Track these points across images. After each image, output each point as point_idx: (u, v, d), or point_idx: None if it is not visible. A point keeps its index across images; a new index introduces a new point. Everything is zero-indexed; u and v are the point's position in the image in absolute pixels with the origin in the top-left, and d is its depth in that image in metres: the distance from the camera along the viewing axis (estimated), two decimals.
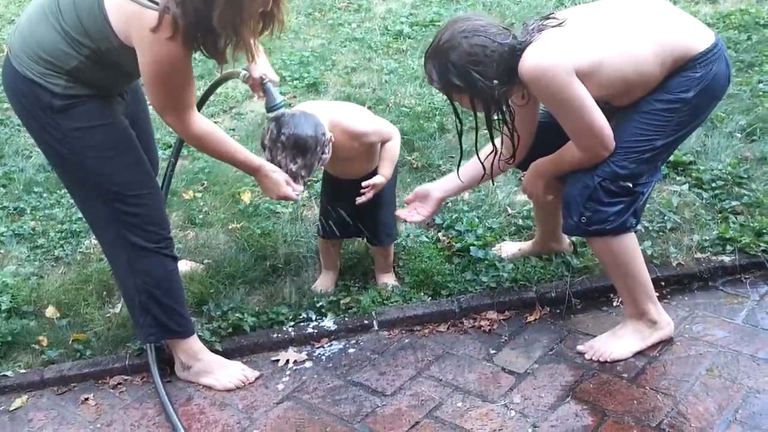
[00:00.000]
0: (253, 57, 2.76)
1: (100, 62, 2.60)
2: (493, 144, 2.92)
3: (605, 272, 3.17)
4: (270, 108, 3.05)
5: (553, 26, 2.74)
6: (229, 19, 2.45)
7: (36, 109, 2.66)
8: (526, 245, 3.55)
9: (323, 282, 3.49)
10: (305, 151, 2.93)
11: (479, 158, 2.98)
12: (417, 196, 3.22)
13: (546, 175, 3.02)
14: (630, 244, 2.92)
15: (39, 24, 2.62)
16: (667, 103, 2.76)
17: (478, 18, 2.77)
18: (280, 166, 2.96)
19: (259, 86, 3.06)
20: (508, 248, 3.56)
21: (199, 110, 2.84)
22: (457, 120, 2.89)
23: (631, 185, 2.81)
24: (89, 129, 2.69)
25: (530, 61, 2.68)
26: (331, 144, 3.02)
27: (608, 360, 2.97)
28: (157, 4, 2.43)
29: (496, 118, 2.80)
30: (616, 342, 3.01)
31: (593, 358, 3.00)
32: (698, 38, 2.76)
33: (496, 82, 2.68)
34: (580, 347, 3.06)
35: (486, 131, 2.83)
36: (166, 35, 2.44)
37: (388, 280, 3.47)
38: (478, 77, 2.67)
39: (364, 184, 3.17)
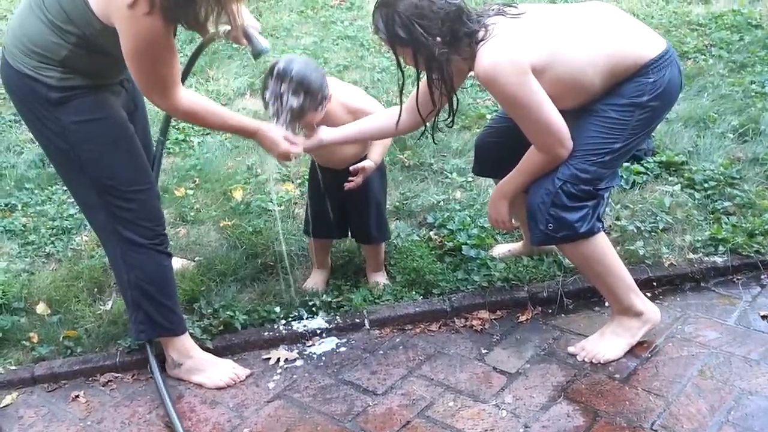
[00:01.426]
0: (236, 23, 2.66)
1: (88, 48, 2.58)
2: (433, 101, 2.89)
3: (582, 274, 3.18)
4: (257, 54, 3.02)
5: (511, 15, 2.76)
6: None
7: (34, 103, 2.65)
8: (515, 246, 3.56)
9: (314, 281, 3.48)
10: (308, 89, 2.89)
11: (419, 111, 2.92)
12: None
13: (509, 194, 3.02)
14: (600, 243, 2.93)
15: (27, 18, 2.61)
16: (623, 107, 2.79)
17: None
18: (280, 100, 2.89)
19: (242, 35, 2.99)
20: (499, 249, 3.57)
21: (183, 83, 2.79)
22: (400, 73, 2.86)
23: (592, 188, 2.83)
24: (88, 122, 2.68)
25: (486, 62, 2.69)
26: (328, 102, 3.00)
27: (601, 361, 2.97)
28: None
29: (435, 77, 2.78)
30: (607, 342, 3.01)
31: (585, 359, 3.00)
32: (649, 46, 2.81)
33: (438, 39, 2.69)
34: (571, 348, 3.06)
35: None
36: (143, 11, 2.39)
37: (380, 279, 3.47)
38: (421, 31, 2.68)
39: (352, 168, 3.17)
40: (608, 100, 2.80)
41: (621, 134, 2.81)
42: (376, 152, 3.23)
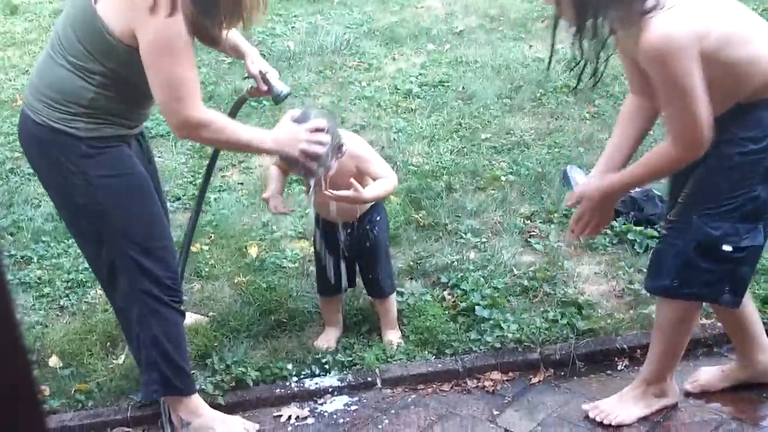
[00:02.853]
0: (246, 23, 2.66)
1: (113, 85, 2.61)
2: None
3: (655, 328, 2.97)
4: (277, 98, 3.04)
5: None
6: None
7: (60, 157, 2.65)
8: (728, 369, 3.15)
9: (326, 339, 3.47)
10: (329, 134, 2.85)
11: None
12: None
13: (623, 191, 2.79)
14: (695, 316, 2.87)
15: (46, 67, 2.65)
16: (759, 141, 2.54)
17: None
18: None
19: (260, 81, 3.02)
20: (706, 375, 3.16)
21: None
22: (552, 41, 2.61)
23: (730, 249, 2.62)
24: (114, 177, 2.71)
25: (658, 33, 2.39)
26: (344, 151, 2.97)
27: (613, 424, 2.94)
28: None
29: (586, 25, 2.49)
30: (624, 406, 2.98)
31: (597, 418, 2.97)
32: None
33: None
34: (585, 406, 3.03)
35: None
36: (164, 13, 2.43)
37: (393, 337, 3.46)
38: None
39: (351, 180, 3.00)
40: (739, 132, 2.55)
41: (759, 175, 2.56)
42: (372, 188, 3.11)
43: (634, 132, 2.87)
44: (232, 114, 3.14)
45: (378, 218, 3.34)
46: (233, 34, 2.98)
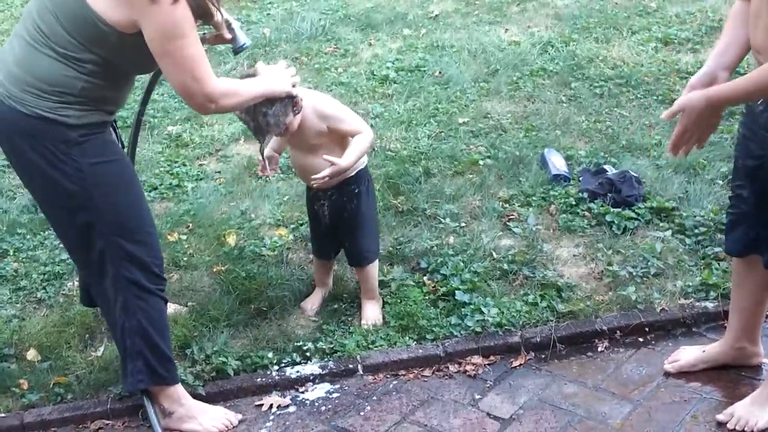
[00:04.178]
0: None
1: (104, 73, 2.61)
2: None
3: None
4: (237, 49, 3.05)
5: None
6: None
7: (49, 146, 2.62)
8: (711, 350, 3.16)
9: (311, 300, 3.57)
10: (274, 99, 2.95)
11: None
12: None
13: (727, 105, 2.55)
14: None
15: (27, 57, 2.60)
16: None
17: None
18: (251, 113, 2.99)
19: (224, 28, 3.00)
20: (686, 355, 3.17)
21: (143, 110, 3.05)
22: None
23: None
24: (104, 164, 2.70)
25: None
26: (300, 105, 3.06)
27: (754, 430, 2.79)
28: None
29: None
30: (760, 409, 2.81)
31: (737, 428, 2.81)
32: None
33: None
34: (720, 416, 2.86)
35: None
36: (168, 1, 2.45)
37: (371, 310, 3.47)
38: None
39: (324, 157, 3.13)
40: None
41: None
42: (350, 153, 3.17)
43: (745, 32, 2.58)
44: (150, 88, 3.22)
45: (356, 191, 3.34)
46: None
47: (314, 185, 3.25)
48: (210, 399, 3.10)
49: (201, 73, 2.60)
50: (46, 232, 4.21)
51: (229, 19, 3.00)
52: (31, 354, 3.35)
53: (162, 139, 5.18)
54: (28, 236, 4.23)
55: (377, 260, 3.53)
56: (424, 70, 5.94)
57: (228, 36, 3.01)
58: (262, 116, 2.98)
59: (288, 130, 3.08)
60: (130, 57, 2.60)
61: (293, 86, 3.00)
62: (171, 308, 3.46)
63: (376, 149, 4.79)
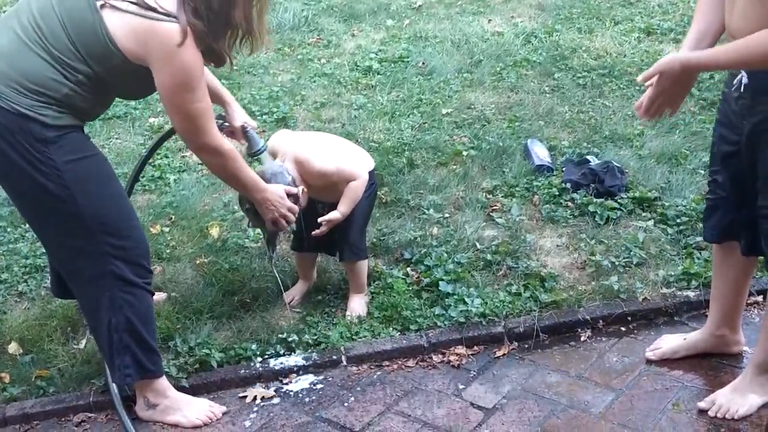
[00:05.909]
0: (254, 48, 2.76)
1: (91, 87, 2.60)
2: None
3: (766, 317, 2.83)
4: (253, 153, 3.19)
5: None
6: (249, 12, 2.60)
7: (24, 144, 2.58)
8: (692, 337, 3.18)
9: (294, 291, 3.59)
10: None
11: None
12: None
13: (703, 69, 2.56)
14: None
15: (17, 53, 2.57)
16: None
17: None
18: (261, 221, 3.14)
19: (240, 134, 3.19)
20: (668, 342, 3.20)
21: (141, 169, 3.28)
22: None
23: None
24: (80, 161, 2.66)
25: None
26: (303, 194, 3.19)
27: (735, 417, 2.80)
28: (168, 14, 2.47)
29: None
30: (741, 397, 2.84)
31: (718, 415, 2.82)
32: None
33: None
34: (701, 404, 2.88)
35: None
36: (191, 45, 2.50)
37: (358, 303, 3.48)
38: None
39: (320, 220, 3.31)
40: None
41: None
42: (344, 204, 3.32)
43: (717, 18, 2.55)
44: (160, 143, 3.44)
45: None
46: (213, 80, 3.10)
47: (313, 235, 3.36)
48: (194, 391, 3.09)
49: (202, 126, 2.69)
50: (27, 225, 4.18)
51: (245, 124, 3.17)
52: (13, 347, 3.33)
53: (144, 131, 5.15)
54: (8, 229, 4.20)
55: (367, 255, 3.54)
56: (408, 61, 5.94)
57: (243, 142, 3.22)
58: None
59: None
60: (125, 81, 2.62)
61: (274, 222, 3.09)
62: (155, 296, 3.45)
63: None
